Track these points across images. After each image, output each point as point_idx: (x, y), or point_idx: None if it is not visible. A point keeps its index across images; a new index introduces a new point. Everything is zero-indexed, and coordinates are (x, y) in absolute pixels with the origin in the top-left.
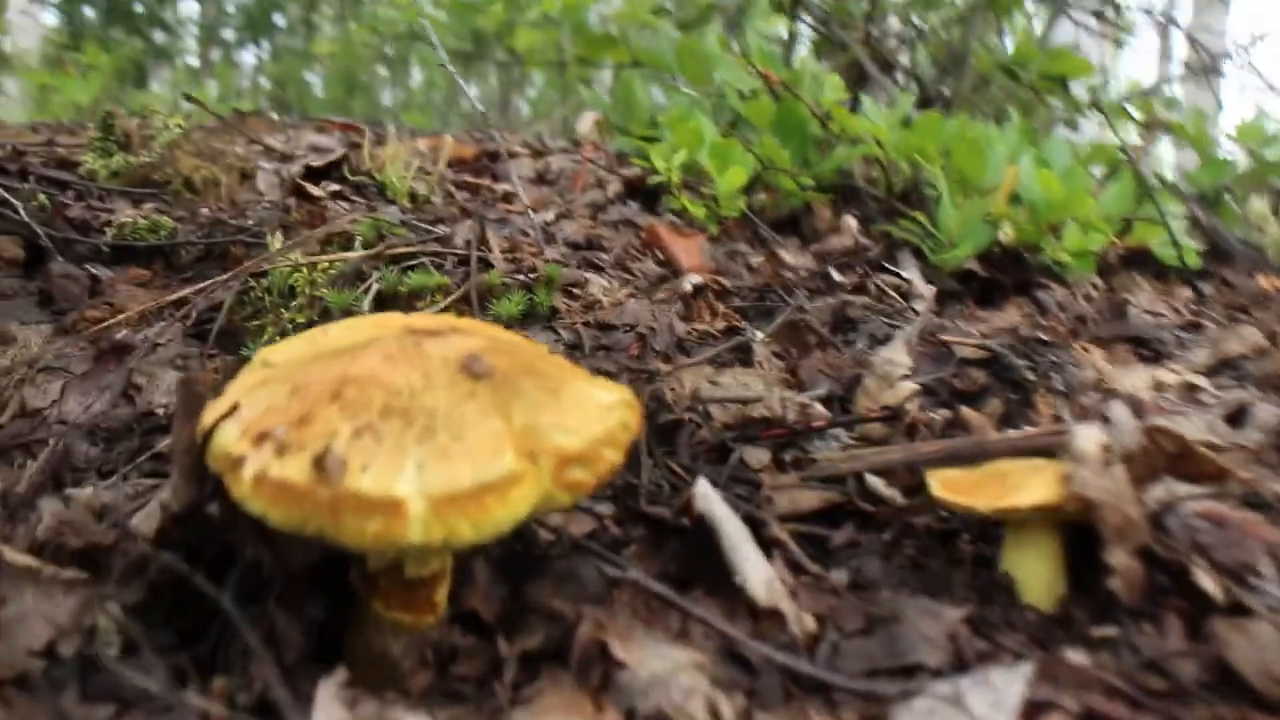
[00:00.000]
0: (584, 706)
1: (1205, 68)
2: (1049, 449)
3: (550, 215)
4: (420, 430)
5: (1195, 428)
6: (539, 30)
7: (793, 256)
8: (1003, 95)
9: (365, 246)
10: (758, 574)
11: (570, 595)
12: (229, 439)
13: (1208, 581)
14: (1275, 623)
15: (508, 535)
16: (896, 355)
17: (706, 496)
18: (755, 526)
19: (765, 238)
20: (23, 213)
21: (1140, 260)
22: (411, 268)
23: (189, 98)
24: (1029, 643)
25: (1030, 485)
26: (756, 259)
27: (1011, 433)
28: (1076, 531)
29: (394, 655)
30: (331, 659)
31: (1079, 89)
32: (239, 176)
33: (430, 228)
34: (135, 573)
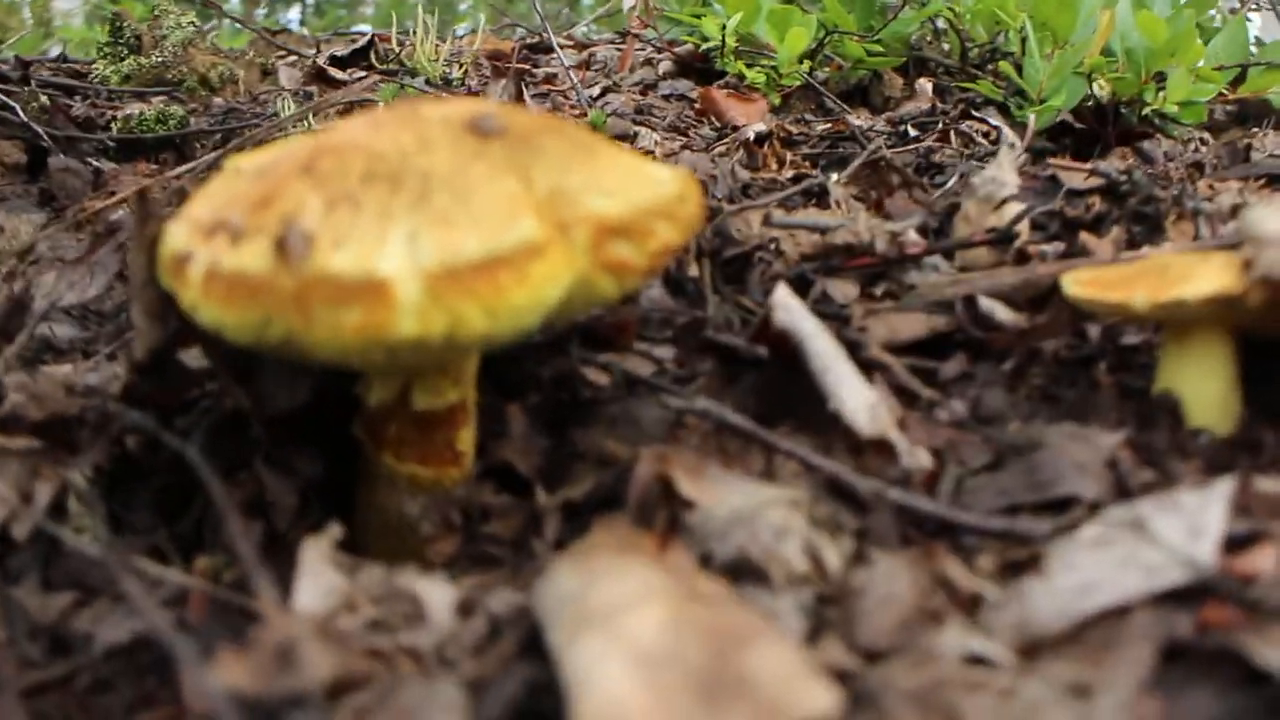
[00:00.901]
0: (644, 548)
1: None
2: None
3: (596, 90)
4: (413, 196)
5: None
6: None
7: (863, 123)
8: None
9: None
10: (857, 398)
11: (627, 438)
12: (175, 238)
13: None
14: None
15: (548, 375)
16: (1000, 174)
17: (788, 307)
18: (851, 349)
19: (831, 108)
20: (22, 114)
21: (1254, 115)
22: None
23: (206, 3)
24: (1208, 470)
25: (1200, 274)
26: (823, 127)
27: (1148, 250)
28: (1246, 345)
29: (411, 518)
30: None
31: None
32: (259, 72)
33: (461, 97)
34: (97, 434)
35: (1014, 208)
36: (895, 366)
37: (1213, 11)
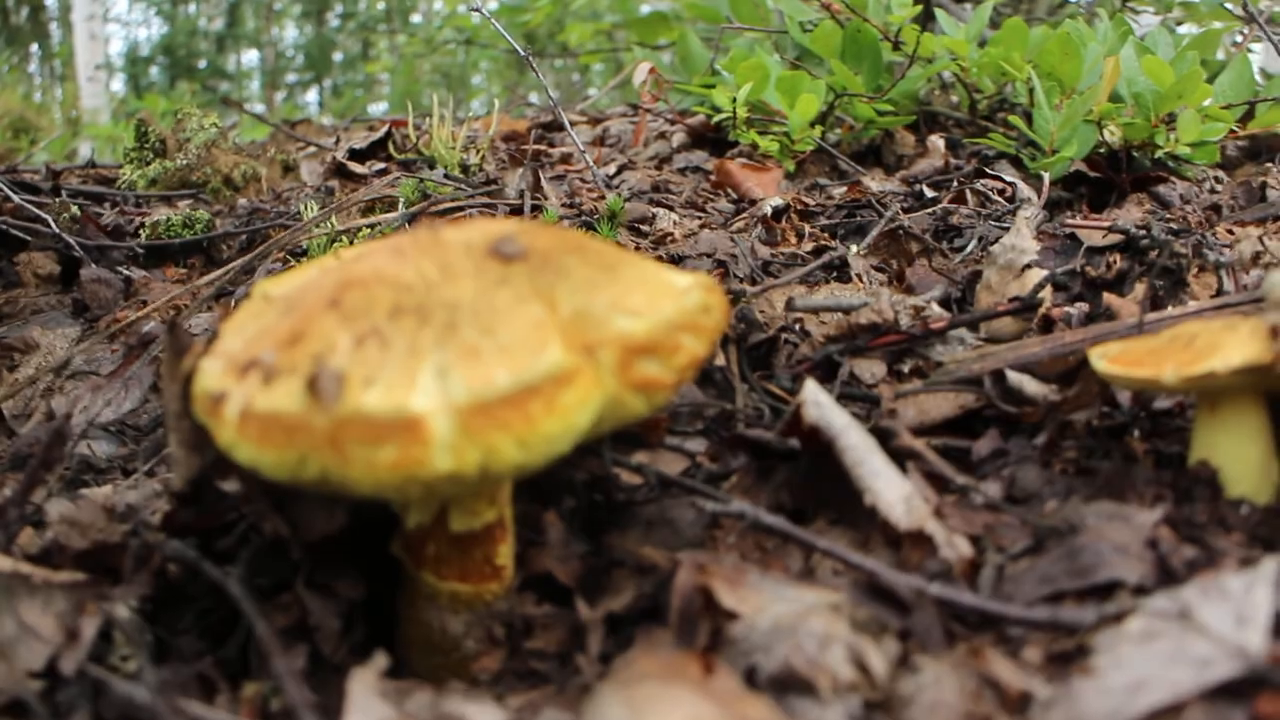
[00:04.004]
0: (689, 671)
1: None
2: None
3: (612, 169)
4: (440, 329)
5: None
6: (589, 22)
7: (878, 184)
8: (1083, 15)
9: (408, 207)
10: (892, 491)
11: (663, 542)
12: (209, 377)
13: None
14: None
15: (580, 479)
16: (1020, 241)
17: (819, 403)
18: (881, 438)
19: (845, 170)
20: (54, 225)
21: (1266, 149)
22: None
23: (227, 101)
24: (1252, 543)
25: (1227, 345)
26: (838, 190)
27: (1175, 310)
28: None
29: (454, 635)
30: (387, 647)
31: None
32: (281, 169)
33: (479, 186)
34: (139, 565)
35: (1036, 274)
36: (927, 454)
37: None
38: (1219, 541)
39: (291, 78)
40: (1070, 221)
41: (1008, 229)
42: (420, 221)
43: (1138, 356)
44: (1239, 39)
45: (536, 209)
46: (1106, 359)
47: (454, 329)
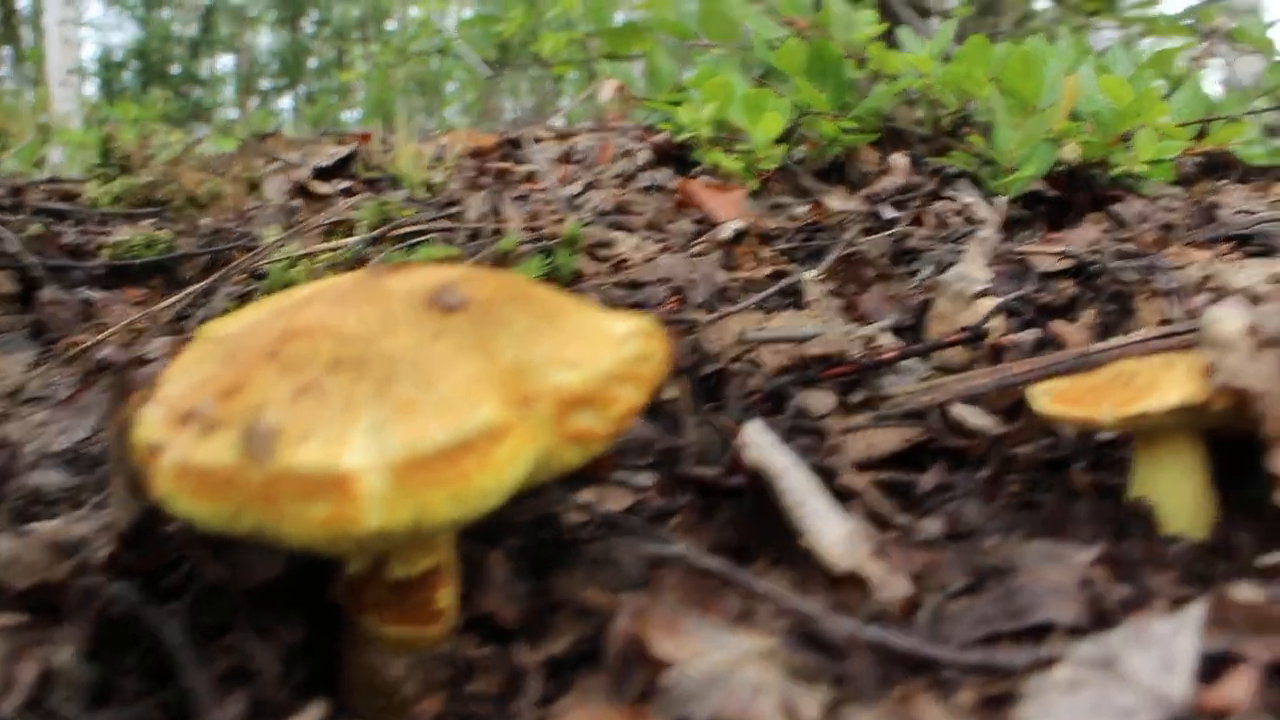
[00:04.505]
0: None
1: None
2: (1171, 351)
3: (576, 188)
4: (377, 382)
5: None
6: (562, 32)
7: (840, 202)
8: (1047, 29)
9: (370, 230)
10: (831, 532)
11: (607, 582)
12: (149, 426)
13: None
14: None
15: (524, 518)
16: (970, 269)
17: (758, 444)
18: (825, 476)
19: (809, 188)
20: (14, 243)
21: (1221, 166)
22: (421, 245)
23: (195, 114)
24: (1185, 581)
25: (1164, 384)
26: (801, 209)
27: (1119, 339)
28: (1217, 442)
29: (395, 678)
30: (330, 691)
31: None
32: (246, 186)
33: (441, 208)
34: (80, 608)
35: (986, 303)
36: (869, 492)
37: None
38: (1153, 580)
39: (265, 84)
40: (1022, 248)
41: (965, 251)
42: (379, 247)
43: (1078, 395)
44: (1195, 56)
45: (497, 233)
46: (1048, 397)
47: (391, 382)
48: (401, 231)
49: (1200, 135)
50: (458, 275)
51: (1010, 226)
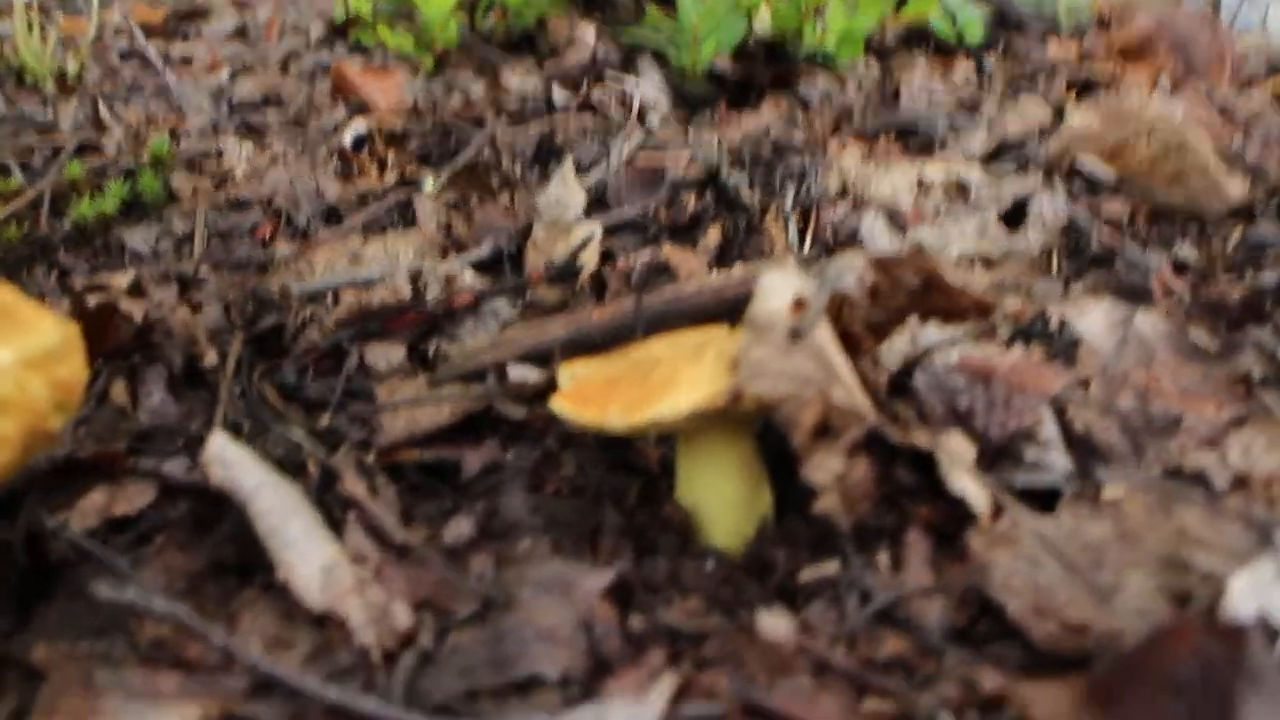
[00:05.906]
0: None
1: None
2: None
3: (224, 75)
4: None
5: (964, 234)
6: None
7: (520, 79)
8: None
9: None
10: (310, 562)
11: (75, 623)
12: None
13: (962, 479)
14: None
15: (16, 538)
16: (564, 191)
17: (224, 462)
18: (326, 482)
19: (495, 63)
20: None
21: (920, 38)
22: None
23: None
24: (706, 610)
25: (682, 381)
26: (479, 88)
27: (702, 283)
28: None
29: None
30: None
31: None
32: None
33: (32, 116)
34: None
35: (582, 232)
36: (369, 504)
37: None
38: (668, 614)
39: None
40: (649, 153)
41: (620, 146)
42: None
43: (592, 392)
44: None
45: (94, 148)
46: (562, 396)
47: None
48: None
49: (899, 7)
50: None
51: (693, 105)
